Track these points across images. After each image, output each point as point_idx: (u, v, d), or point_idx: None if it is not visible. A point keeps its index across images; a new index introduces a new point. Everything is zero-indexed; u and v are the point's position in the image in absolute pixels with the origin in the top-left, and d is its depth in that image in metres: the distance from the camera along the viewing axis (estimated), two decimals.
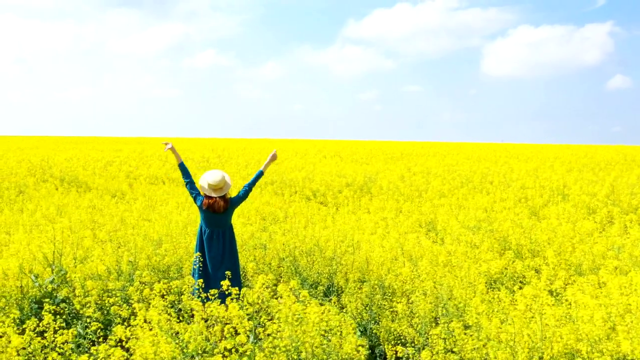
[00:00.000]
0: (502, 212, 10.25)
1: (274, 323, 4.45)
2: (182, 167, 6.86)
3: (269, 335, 4.48)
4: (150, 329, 4.31)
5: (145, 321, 4.53)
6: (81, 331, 5.05)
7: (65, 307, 5.99)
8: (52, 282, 6.21)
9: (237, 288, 5.07)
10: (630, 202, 11.36)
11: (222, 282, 5.18)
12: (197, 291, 5.89)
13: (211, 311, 4.73)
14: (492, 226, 8.88)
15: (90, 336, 4.95)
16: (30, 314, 6.03)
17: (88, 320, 4.91)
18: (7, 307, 5.94)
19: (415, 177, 17.91)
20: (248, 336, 4.41)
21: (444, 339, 4.95)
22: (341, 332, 4.40)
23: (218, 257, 6.54)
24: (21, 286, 6.11)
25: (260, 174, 7.01)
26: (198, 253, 6.47)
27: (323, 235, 8.10)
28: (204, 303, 5.12)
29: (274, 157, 7.23)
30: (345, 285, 6.71)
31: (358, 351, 4.23)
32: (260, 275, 4.87)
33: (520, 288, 6.49)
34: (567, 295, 5.70)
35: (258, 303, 4.71)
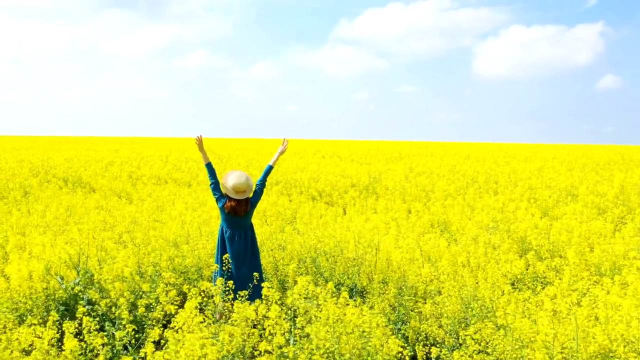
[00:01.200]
0: (517, 212, 10.28)
1: (313, 324, 4.46)
2: (210, 167, 6.87)
3: (307, 336, 4.50)
4: (192, 331, 4.31)
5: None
6: (115, 333, 5.04)
7: (93, 309, 5.99)
8: (77, 284, 6.20)
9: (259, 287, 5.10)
10: (637, 202, 11.42)
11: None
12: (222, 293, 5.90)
13: (243, 312, 4.73)
14: (510, 227, 8.90)
15: (126, 339, 4.94)
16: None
17: (124, 322, 4.89)
18: (34, 309, 5.94)
19: (420, 177, 17.94)
20: (287, 338, 4.42)
21: (478, 340, 4.98)
22: (383, 334, 4.42)
23: (240, 256, 6.57)
24: (47, 288, 6.09)
25: (270, 169, 7.06)
26: (226, 255, 6.48)
27: (343, 236, 8.11)
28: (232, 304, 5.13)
29: (283, 150, 7.27)
30: (368, 285, 6.72)
31: (402, 353, 4.25)
32: (299, 277, 4.87)
33: (543, 288, 6.52)
34: (592, 295, 5.74)
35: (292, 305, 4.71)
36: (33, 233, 9.06)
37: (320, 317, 4.33)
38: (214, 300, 5.21)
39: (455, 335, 5.55)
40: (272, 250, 8.10)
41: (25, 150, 36.40)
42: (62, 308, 6.08)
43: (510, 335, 4.92)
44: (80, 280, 6.19)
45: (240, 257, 6.59)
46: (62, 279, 6.27)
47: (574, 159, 29.14)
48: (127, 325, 4.91)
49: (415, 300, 6.36)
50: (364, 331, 4.33)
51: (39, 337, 4.15)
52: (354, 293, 6.92)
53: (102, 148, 41.09)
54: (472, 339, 4.95)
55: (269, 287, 4.72)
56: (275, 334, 4.20)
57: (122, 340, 4.66)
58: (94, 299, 5.74)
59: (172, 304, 5.42)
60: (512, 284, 6.94)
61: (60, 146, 44.26)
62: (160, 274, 6.78)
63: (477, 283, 6.17)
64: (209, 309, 4.88)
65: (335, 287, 7.12)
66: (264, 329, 4.47)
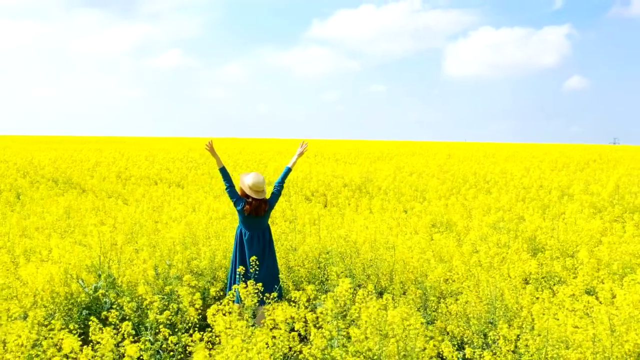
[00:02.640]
0: (524, 212, 10.43)
1: (357, 326, 4.50)
2: (224, 172, 6.84)
3: (349, 338, 4.53)
4: (235, 335, 4.32)
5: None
6: (151, 338, 5.03)
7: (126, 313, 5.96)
8: (99, 287, 6.16)
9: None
10: (634, 202, 11.65)
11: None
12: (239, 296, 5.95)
13: (276, 314, 4.75)
14: (519, 227, 9.02)
15: (159, 343, 4.93)
16: (79, 320, 5.98)
17: (161, 327, 4.87)
18: (57, 313, 5.88)
19: (411, 177, 18.07)
20: (330, 340, 4.44)
21: (510, 340, 5.04)
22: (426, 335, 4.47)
23: (257, 255, 6.58)
24: (71, 292, 6.05)
25: (288, 170, 7.09)
26: (243, 266, 6.49)
27: (357, 236, 8.15)
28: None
29: (302, 152, 7.29)
30: (389, 286, 6.77)
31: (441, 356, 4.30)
32: (341, 278, 4.89)
33: (552, 287, 6.62)
34: (606, 293, 5.85)
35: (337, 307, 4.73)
36: (39, 236, 8.97)
37: (365, 319, 4.36)
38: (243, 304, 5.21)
39: (482, 335, 5.61)
40: (286, 251, 8.13)
41: (2, 150, 35.85)
42: (85, 312, 6.04)
43: (545, 335, 4.99)
44: (102, 284, 6.15)
45: (259, 260, 6.61)
46: (82, 282, 6.23)
47: (553, 158, 29.52)
48: (162, 329, 4.89)
49: (437, 300, 6.42)
50: (408, 333, 4.37)
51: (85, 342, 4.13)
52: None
53: (82, 148, 40.66)
54: (505, 339, 5.00)
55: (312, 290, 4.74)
56: (324, 336, 4.22)
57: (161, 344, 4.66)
58: (121, 303, 5.70)
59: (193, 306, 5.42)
60: (527, 283, 7.05)
61: (39, 146, 43.68)
62: (180, 277, 6.77)
63: (502, 284, 6.24)
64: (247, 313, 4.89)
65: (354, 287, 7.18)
66: (296, 331, 4.50)
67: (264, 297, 5.74)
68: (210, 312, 5.20)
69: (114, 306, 5.28)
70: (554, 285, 6.73)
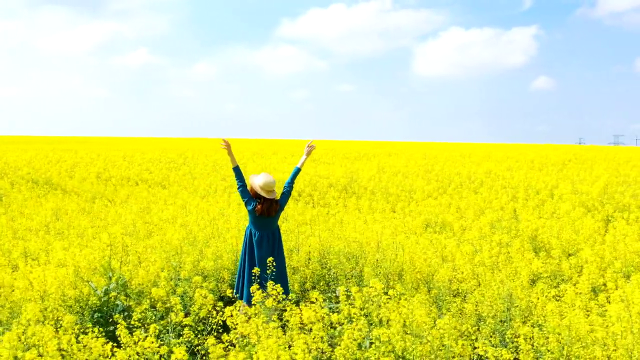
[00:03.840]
0: (519, 212, 10.54)
1: (386, 327, 4.50)
2: (238, 171, 6.79)
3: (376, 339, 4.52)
4: (269, 336, 4.28)
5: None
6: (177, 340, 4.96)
7: (129, 316, 5.86)
8: (110, 290, 6.05)
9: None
10: (622, 201, 11.86)
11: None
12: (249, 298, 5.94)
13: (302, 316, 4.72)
14: (519, 226, 9.12)
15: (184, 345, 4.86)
16: (90, 323, 5.86)
17: (186, 329, 4.79)
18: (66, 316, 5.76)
19: (397, 177, 18.14)
20: (360, 343, 4.43)
21: (529, 337, 5.08)
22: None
23: (267, 255, 6.55)
24: (83, 295, 5.93)
25: (298, 171, 7.08)
26: (252, 267, 6.45)
27: (361, 237, 8.15)
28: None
29: (309, 152, 7.28)
30: (399, 285, 6.77)
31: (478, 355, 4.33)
32: (372, 278, 4.89)
33: (557, 286, 6.70)
34: (620, 293, 5.94)
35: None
36: (33, 238, 8.79)
37: (397, 319, 4.36)
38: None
39: (497, 334, 5.65)
40: (287, 251, 8.09)
41: None
42: (97, 315, 5.93)
43: (567, 333, 5.04)
44: (113, 287, 6.05)
45: (267, 258, 6.58)
46: (93, 284, 6.11)
47: (530, 158, 29.87)
48: (185, 331, 4.83)
49: (448, 299, 6.45)
50: (442, 334, 4.38)
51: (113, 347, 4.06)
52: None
53: (54, 148, 39.91)
54: (525, 338, 5.04)
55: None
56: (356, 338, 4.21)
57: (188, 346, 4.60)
58: (133, 307, 5.62)
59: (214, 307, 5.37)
60: (533, 282, 7.12)
61: (8, 146, 42.76)
62: (188, 279, 6.70)
63: (513, 283, 6.29)
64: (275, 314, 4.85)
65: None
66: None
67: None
68: (226, 313, 5.20)
69: (136, 309, 5.18)
70: (560, 284, 6.82)
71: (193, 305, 5.25)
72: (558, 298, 6.16)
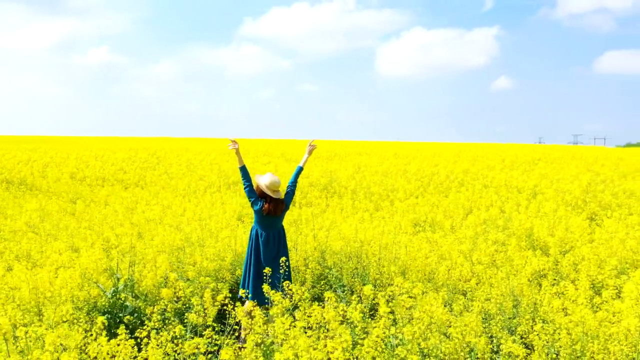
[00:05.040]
0: (516, 210, 10.69)
1: (410, 325, 4.53)
2: (244, 171, 6.79)
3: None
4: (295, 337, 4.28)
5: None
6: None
7: (139, 317, 5.81)
8: (119, 291, 5.97)
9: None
10: (604, 199, 12.15)
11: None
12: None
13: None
14: (511, 224, 9.26)
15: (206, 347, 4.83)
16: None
17: (209, 329, 4.76)
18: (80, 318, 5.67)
19: (377, 176, 18.23)
20: (386, 343, 4.46)
21: (545, 333, 5.18)
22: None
23: (272, 255, 6.56)
24: (92, 297, 5.85)
25: (300, 170, 7.13)
26: (258, 266, 6.46)
27: (360, 236, 8.18)
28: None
29: (311, 151, 7.31)
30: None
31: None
32: (397, 277, 4.91)
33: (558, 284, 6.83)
34: (625, 289, 6.10)
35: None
36: (22, 239, 8.61)
37: (426, 318, 4.40)
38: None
39: (508, 331, 5.73)
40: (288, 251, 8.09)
41: None
42: (106, 316, 5.85)
43: (579, 329, 5.15)
44: (122, 288, 5.97)
45: (273, 260, 6.58)
46: (102, 286, 6.03)
47: (501, 158, 30.25)
48: (206, 332, 4.80)
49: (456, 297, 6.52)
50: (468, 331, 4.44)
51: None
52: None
53: (19, 147, 39.02)
54: (538, 335, 5.12)
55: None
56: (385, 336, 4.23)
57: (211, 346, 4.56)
58: (135, 307, 5.56)
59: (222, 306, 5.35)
60: (529, 280, 7.24)
61: None
62: (191, 279, 6.65)
63: (515, 282, 6.39)
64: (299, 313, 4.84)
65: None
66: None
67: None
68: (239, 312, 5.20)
69: (155, 310, 5.12)
70: (559, 281, 6.94)
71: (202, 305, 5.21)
72: (560, 295, 6.29)
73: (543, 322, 5.71)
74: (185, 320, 5.16)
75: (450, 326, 4.91)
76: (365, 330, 4.66)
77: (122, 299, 5.86)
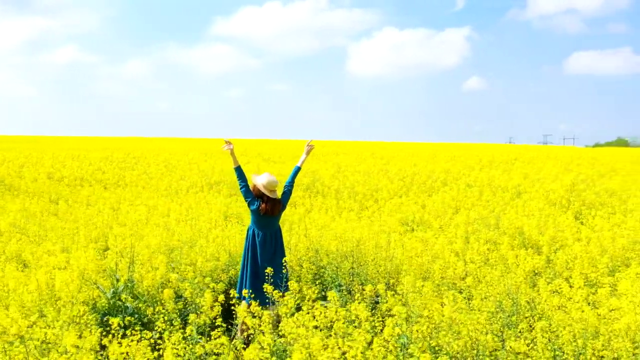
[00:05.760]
0: (499, 210, 10.80)
1: (419, 324, 4.56)
2: (240, 171, 6.77)
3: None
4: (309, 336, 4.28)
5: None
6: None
7: (138, 318, 5.75)
8: (120, 292, 5.91)
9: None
10: (588, 198, 12.36)
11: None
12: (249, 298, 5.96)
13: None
14: (501, 223, 9.36)
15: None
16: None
17: (219, 330, 4.73)
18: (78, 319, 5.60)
19: (358, 176, 18.28)
20: (403, 343, 4.48)
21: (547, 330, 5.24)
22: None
23: (269, 255, 6.55)
24: (91, 298, 5.78)
25: (298, 170, 7.14)
26: (255, 267, 6.45)
27: (356, 235, 8.18)
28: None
29: (309, 151, 7.32)
30: (401, 283, 6.85)
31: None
32: (406, 277, 4.94)
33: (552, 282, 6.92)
34: (620, 287, 6.21)
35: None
36: (11, 241, 8.46)
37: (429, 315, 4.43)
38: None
39: (508, 328, 5.79)
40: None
41: None
42: (106, 317, 5.78)
43: (580, 326, 5.21)
44: (122, 289, 5.91)
45: (269, 256, 6.58)
46: (102, 287, 5.96)
47: (478, 158, 30.50)
48: (214, 334, 4.77)
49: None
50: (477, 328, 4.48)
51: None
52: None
53: None
54: (542, 330, 5.17)
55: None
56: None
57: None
58: (135, 308, 5.50)
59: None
60: (525, 278, 7.32)
61: None
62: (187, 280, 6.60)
63: (512, 280, 6.45)
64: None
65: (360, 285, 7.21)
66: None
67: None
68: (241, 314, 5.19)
69: (161, 310, 5.07)
70: (553, 279, 7.04)
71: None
72: (556, 293, 6.37)
73: (540, 319, 5.77)
74: (190, 322, 5.13)
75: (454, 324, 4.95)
76: (375, 329, 4.67)
77: (123, 299, 5.79)
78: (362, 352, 3.99)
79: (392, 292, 4.83)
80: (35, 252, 7.56)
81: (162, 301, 5.73)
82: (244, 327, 5.96)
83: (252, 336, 4.95)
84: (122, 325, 4.14)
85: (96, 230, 9.53)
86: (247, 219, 12.15)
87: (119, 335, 3.83)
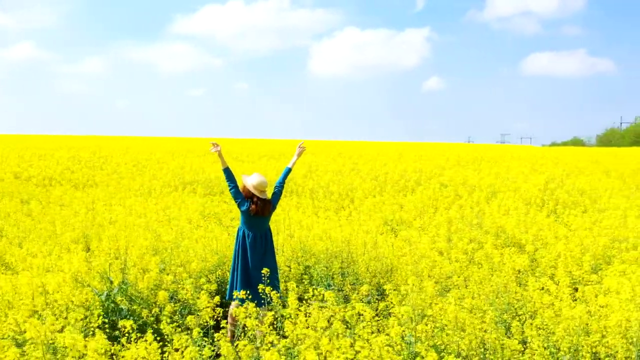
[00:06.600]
0: (484, 210, 10.97)
1: (424, 324, 4.63)
2: (228, 172, 6.76)
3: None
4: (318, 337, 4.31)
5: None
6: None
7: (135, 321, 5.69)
8: (115, 294, 5.85)
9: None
10: (562, 197, 12.65)
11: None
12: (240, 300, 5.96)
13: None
14: (484, 222, 9.51)
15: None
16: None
17: (221, 330, 4.73)
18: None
19: (329, 175, 18.34)
20: (409, 342, 4.54)
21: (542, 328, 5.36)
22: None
23: (260, 256, 6.56)
24: (87, 300, 5.70)
25: (288, 171, 7.17)
26: (245, 268, 6.46)
27: (345, 236, 8.22)
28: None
29: (301, 152, 7.34)
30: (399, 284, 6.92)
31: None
32: (410, 277, 4.99)
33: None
34: (606, 283, 6.39)
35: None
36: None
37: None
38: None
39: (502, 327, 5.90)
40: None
41: None
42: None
43: (574, 323, 5.35)
44: (117, 291, 5.85)
45: (259, 257, 6.59)
46: (96, 290, 5.89)
47: (444, 157, 30.82)
48: (217, 336, 4.77)
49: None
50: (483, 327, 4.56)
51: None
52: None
53: None
54: (538, 328, 5.28)
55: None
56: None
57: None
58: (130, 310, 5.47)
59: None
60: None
61: None
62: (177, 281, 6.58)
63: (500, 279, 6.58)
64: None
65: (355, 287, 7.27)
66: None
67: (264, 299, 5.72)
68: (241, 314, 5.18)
69: (164, 312, 5.04)
70: (539, 277, 7.19)
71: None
72: (543, 291, 6.51)
73: (532, 317, 5.89)
74: (189, 323, 5.12)
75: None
76: (378, 329, 4.72)
77: (117, 302, 5.73)
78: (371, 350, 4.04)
79: (395, 292, 4.88)
80: (17, 254, 7.41)
81: (158, 303, 5.71)
82: (232, 325, 6.01)
83: (235, 333, 4.99)
84: (133, 328, 4.09)
85: (74, 232, 9.37)
86: (225, 218, 12.15)
87: (133, 339, 3.80)
